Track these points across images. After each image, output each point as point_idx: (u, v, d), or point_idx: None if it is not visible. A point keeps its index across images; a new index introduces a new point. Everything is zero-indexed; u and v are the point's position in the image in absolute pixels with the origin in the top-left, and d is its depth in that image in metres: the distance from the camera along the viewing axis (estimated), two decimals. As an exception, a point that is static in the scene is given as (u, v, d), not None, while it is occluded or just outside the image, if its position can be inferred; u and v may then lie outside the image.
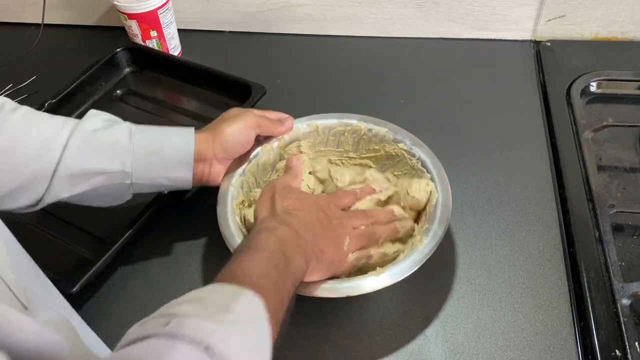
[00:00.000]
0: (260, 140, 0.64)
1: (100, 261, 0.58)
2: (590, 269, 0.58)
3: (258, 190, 0.62)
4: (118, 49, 0.85)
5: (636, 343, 0.52)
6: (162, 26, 0.84)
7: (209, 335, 0.33)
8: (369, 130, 0.65)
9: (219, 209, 0.58)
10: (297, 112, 0.69)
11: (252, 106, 0.75)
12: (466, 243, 0.63)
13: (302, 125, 0.66)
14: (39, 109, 0.75)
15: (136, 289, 0.61)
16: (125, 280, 0.62)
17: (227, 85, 0.79)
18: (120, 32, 0.89)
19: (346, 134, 0.67)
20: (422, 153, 0.62)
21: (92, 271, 0.58)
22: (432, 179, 0.60)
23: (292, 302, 0.45)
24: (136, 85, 0.85)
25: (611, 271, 0.57)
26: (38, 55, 0.90)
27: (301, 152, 0.66)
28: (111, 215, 0.62)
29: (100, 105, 0.82)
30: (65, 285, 0.55)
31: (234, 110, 0.61)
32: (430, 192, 0.59)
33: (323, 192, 0.65)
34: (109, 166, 0.53)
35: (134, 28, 0.84)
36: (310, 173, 0.66)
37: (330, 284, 0.52)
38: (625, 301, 0.55)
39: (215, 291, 0.39)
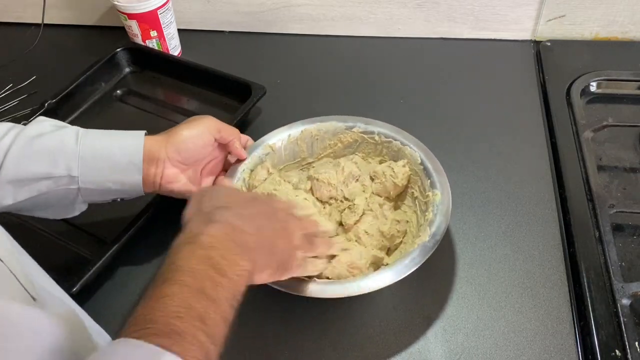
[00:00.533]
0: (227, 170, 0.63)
1: (100, 261, 0.58)
2: (590, 269, 0.58)
3: None
4: (118, 49, 0.85)
5: (636, 343, 0.52)
6: (162, 26, 0.84)
7: None
8: (318, 130, 0.66)
9: None
10: (297, 112, 0.69)
11: (252, 106, 0.75)
12: (466, 243, 0.63)
13: (257, 151, 0.64)
14: (39, 109, 0.76)
15: (136, 289, 0.61)
16: (125, 280, 0.62)
17: (227, 85, 0.80)
18: (120, 32, 0.89)
19: (298, 142, 0.67)
20: (380, 127, 0.65)
21: (92, 271, 0.58)
22: (402, 144, 0.63)
23: (233, 317, 0.39)
24: (136, 85, 0.85)
25: (611, 271, 0.57)
26: (38, 55, 0.90)
27: (270, 173, 0.65)
28: (111, 215, 0.62)
29: (100, 105, 0.82)
30: (65, 285, 0.55)
31: (195, 116, 0.59)
32: (407, 164, 0.62)
33: (318, 199, 0.64)
34: (53, 170, 0.51)
35: (134, 28, 0.84)
36: (296, 188, 0.65)
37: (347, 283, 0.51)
38: (625, 301, 0.55)
39: (127, 356, 0.33)
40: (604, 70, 0.79)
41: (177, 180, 0.57)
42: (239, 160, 0.63)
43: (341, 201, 0.63)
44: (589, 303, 0.55)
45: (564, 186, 0.66)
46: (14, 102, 0.84)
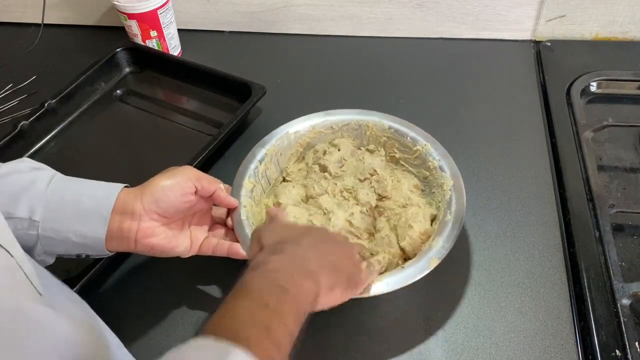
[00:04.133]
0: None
1: (101, 261, 0.58)
2: (590, 269, 0.58)
3: None
4: (118, 49, 0.85)
5: (636, 343, 0.52)
6: (162, 26, 0.84)
7: None
8: (279, 146, 0.66)
9: None
10: (297, 112, 0.69)
11: (252, 106, 0.75)
12: (466, 243, 0.63)
13: (242, 192, 0.61)
14: (39, 109, 0.76)
15: (136, 289, 0.61)
16: (125, 280, 0.62)
17: (227, 85, 0.80)
18: (120, 32, 0.89)
19: (267, 165, 0.65)
20: (336, 116, 0.67)
21: (92, 271, 0.58)
22: (361, 120, 0.66)
23: (301, 332, 0.41)
24: (136, 85, 0.85)
25: (611, 271, 0.57)
26: (38, 55, 0.90)
27: (280, 203, 0.64)
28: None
29: (100, 105, 0.82)
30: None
31: (172, 167, 0.55)
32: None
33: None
34: (14, 210, 0.46)
35: (134, 28, 0.84)
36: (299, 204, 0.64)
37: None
38: (625, 301, 0.55)
39: (200, 350, 0.35)
40: (604, 70, 0.80)
41: (155, 234, 0.52)
42: (230, 210, 0.59)
43: (345, 191, 0.64)
44: (589, 303, 0.55)
45: (564, 186, 0.66)
46: (14, 102, 0.84)
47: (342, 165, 0.66)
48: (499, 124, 0.76)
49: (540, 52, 0.85)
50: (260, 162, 0.64)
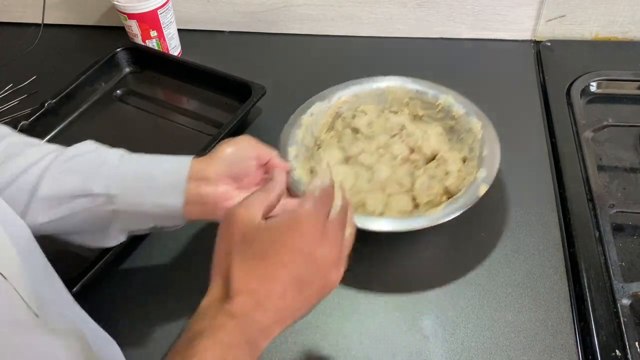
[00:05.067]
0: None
1: (101, 261, 0.58)
2: (590, 269, 0.58)
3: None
4: (118, 49, 0.85)
5: (636, 343, 0.52)
6: (162, 26, 0.84)
7: None
8: (311, 115, 0.68)
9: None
10: (297, 112, 0.69)
11: (252, 106, 0.75)
12: (466, 243, 0.63)
13: (291, 157, 0.64)
14: (38, 109, 0.76)
15: (136, 289, 0.61)
16: (125, 280, 0.62)
17: (227, 85, 0.80)
18: (120, 32, 0.89)
19: (303, 134, 0.67)
20: (357, 85, 0.71)
21: (92, 271, 0.58)
22: (380, 84, 0.70)
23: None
24: (136, 85, 0.85)
25: (611, 271, 0.57)
26: (38, 55, 0.90)
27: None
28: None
29: (100, 105, 0.82)
30: (65, 285, 0.55)
31: (230, 138, 0.56)
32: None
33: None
34: (91, 186, 0.49)
35: (134, 28, 0.84)
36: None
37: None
38: (625, 301, 0.55)
39: None
40: (604, 70, 0.79)
41: (232, 197, 0.52)
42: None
43: (380, 148, 0.67)
44: (589, 303, 0.55)
45: (564, 186, 0.66)
46: (14, 102, 0.84)
47: (371, 127, 0.68)
48: (499, 124, 0.75)
49: (540, 52, 0.85)
50: (299, 129, 0.67)
